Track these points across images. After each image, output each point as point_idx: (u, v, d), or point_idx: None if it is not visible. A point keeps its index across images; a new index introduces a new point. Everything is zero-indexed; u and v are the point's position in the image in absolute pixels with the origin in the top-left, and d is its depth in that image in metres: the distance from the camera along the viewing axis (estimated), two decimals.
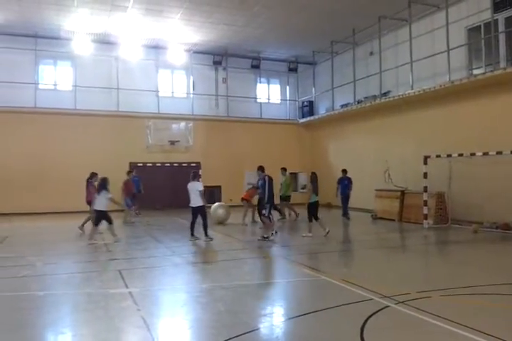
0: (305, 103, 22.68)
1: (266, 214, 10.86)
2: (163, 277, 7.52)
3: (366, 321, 4.81)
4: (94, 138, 18.86)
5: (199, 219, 10.84)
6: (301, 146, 22.81)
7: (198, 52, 20.76)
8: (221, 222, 14.17)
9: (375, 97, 17.25)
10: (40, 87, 19.08)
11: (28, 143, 18.05)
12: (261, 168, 11.34)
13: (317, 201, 11.64)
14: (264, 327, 4.92)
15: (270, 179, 11.05)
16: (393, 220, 14.93)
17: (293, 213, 15.54)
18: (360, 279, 6.80)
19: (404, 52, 15.83)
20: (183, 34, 18.62)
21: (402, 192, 15.17)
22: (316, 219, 11.53)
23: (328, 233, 11.25)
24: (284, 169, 15.36)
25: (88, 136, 18.76)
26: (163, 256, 9.19)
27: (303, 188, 22.73)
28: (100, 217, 10.47)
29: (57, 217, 16.69)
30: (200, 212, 10.79)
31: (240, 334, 4.52)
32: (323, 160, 21.49)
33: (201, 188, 10.77)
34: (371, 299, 5.67)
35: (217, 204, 14.80)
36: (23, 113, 18.04)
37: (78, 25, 17.44)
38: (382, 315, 5.07)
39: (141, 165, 19.42)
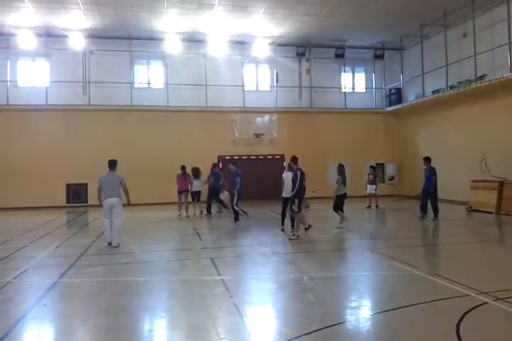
0: (392, 91, 21.88)
1: (297, 210, 9.97)
2: (252, 266, 7.79)
3: (462, 318, 4.64)
4: (184, 133, 19.73)
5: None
6: (388, 136, 22.08)
7: (282, 44, 20.81)
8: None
9: (469, 82, 16.21)
10: (135, 85, 20.36)
11: (125, 138, 19.30)
12: (294, 159, 10.42)
13: (345, 193, 11.60)
14: (354, 319, 4.92)
15: (302, 173, 10.25)
16: (490, 213, 14.05)
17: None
18: (454, 274, 6.52)
19: (501, 32, 14.81)
20: (267, 28, 18.78)
21: (501, 183, 14.20)
22: (342, 210, 11.42)
23: (341, 227, 11.25)
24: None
25: (179, 131, 19.68)
26: (250, 246, 9.50)
27: (390, 180, 22.09)
28: (196, 195, 14.64)
29: (153, 207, 17.75)
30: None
31: (330, 326, 4.58)
32: (412, 150, 20.64)
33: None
34: (467, 295, 5.44)
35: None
36: (121, 110, 19.39)
37: (168, 26, 18.31)
38: (480, 312, 4.86)
39: (228, 157, 19.99)
